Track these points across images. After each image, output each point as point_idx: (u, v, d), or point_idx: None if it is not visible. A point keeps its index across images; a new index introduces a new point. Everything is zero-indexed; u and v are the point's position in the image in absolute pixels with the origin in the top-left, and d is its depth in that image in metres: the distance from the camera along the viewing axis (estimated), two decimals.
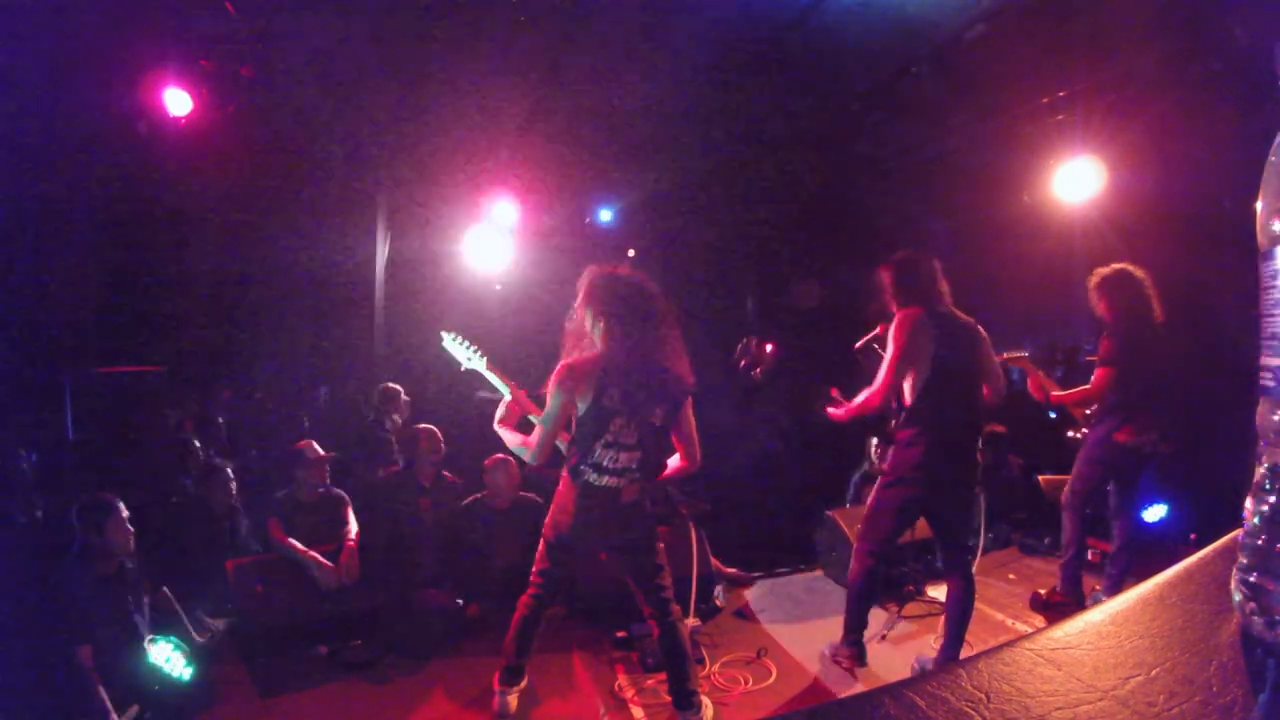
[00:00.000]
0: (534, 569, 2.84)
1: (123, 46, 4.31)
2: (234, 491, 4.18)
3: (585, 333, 2.70)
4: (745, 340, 3.98)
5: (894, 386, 3.11)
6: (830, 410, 3.42)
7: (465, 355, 3.07)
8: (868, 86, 5.56)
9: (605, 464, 2.61)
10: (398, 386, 5.66)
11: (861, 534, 3.35)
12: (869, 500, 3.36)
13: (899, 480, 3.17)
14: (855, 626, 3.31)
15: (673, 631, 2.74)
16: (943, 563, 3.38)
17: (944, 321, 3.13)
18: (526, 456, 2.70)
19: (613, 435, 2.58)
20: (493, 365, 3.02)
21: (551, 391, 2.59)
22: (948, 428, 3.10)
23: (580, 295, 2.71)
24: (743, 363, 3.88)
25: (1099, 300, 3.78)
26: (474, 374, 3.08)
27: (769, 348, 3.88)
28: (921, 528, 4.40)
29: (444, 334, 3.12)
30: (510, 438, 2.80)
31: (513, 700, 2.93)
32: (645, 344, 2.63)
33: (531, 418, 2.84)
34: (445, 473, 4.30)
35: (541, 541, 2.82)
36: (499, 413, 2.87)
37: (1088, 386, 3.77)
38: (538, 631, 2.87)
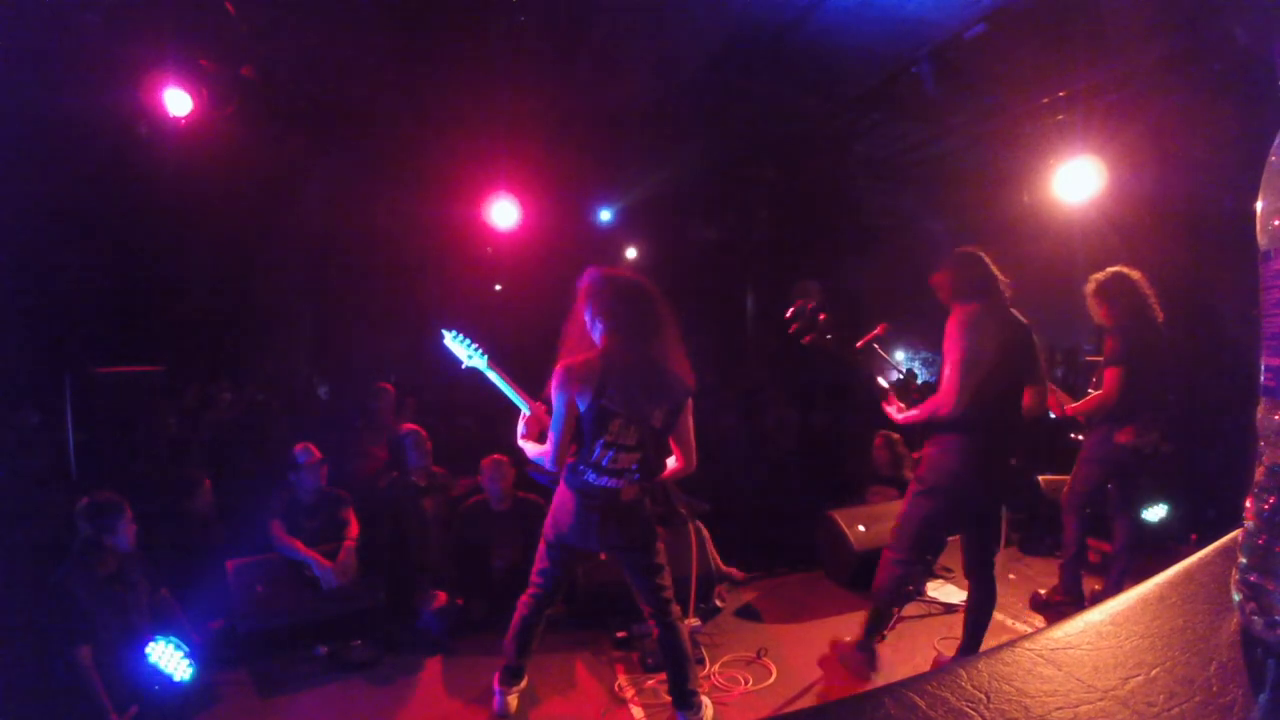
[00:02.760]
0: (534, 569, 2.84)
1: (123, 46, 4.31)
2: (210, 501, 4.18)
3: (585, 333, 2.70)
4: (800, 302, 3.73)
5: (965, 390, 2.81)
6: (888, 409, 3.26)
7: (466, 353, 3.06)
8: (868, 86, 5.57)
9: (605, 464, 2.61)
10: (388, 386, 5.65)
11: (891, 542, 3.18)
12: (901, 507, 3.16)
13: (932, 489, 2.99)
14: (872, 631, 3.23)
15: (673, 631, 2.74)
16: (965, 565, 3.23)
17: (1003, 319, 2.94)
18: (545, 464, 2.68)
19: (612, 436, 2.57)
20: (494, 363, 3.02)
21: (554, 394, 2.59)
22: (991, 436, 2.88)
23: (580, 296, 2.71)
24: (794, 327, 3.65)
25: (1099, 305, 3.75)
26: (475, 372, 3.08)
27: (822, 316, 3.67)
28: None
29: (445, 332, 3.11)
30: (531, 449, 2.79)
31: (513, 700, 2.93)
32: (645, 345, 2.62)
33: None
34: (434, 468, 4.31)
35: (541, 541, 2.82)
36: (520, 428, 2.86)
37: (1100, 393, 3.71)
38: (538, 631, 2.87)
